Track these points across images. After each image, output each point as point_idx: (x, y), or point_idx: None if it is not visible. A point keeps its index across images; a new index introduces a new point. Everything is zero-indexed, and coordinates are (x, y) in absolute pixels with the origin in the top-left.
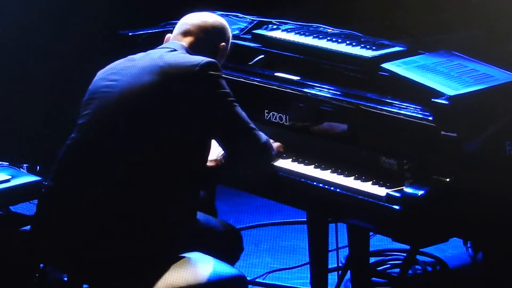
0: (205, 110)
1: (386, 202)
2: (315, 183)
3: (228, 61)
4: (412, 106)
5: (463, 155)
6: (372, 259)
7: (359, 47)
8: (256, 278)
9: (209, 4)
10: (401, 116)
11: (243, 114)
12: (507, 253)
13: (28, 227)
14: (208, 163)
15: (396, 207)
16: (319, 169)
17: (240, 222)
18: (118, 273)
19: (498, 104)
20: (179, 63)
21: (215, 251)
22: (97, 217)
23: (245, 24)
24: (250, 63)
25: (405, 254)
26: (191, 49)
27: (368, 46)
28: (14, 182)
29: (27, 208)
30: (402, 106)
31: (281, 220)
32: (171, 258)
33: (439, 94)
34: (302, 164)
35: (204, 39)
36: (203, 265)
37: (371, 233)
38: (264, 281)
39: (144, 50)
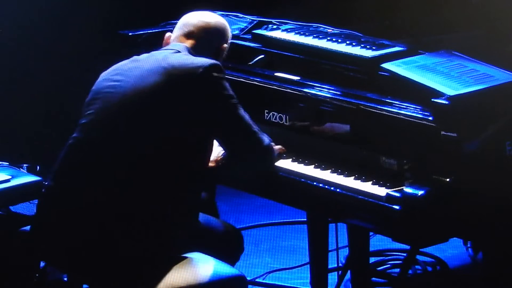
0: (208, 111)
1: (386, 202)
2: (315, 183)
3: (228, 61)
4: (412, 106)
5: (463, 155)
6: (372, 259)
7: (359, 47)
8: (256, 278)
9: (209, 4)
10: (401, 116)
11: (246, 116)
12: (507, 253)
13: (28, 227)
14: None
15: (396, 207)
16: (319, 169)
17: (240, 222)
18: (118, 273)
19: (498, 104)
20: (182, 64)
21: (215, 251)
22: (98, 217)
23: (245, 24)
24: (250, 63)
25: (405, 254)
26: (194, 51)
27: (368, 46)
28: (14, 182)
29: (27, 208)
30: (402, 106)
31: (281, 220)
32: (171, 258)
33: (439, 94)
34: (302, 164)
35: (206, 40)
36: (203, 265)
37: (371, 233)
38: (264, 281)
39: (145, 50)
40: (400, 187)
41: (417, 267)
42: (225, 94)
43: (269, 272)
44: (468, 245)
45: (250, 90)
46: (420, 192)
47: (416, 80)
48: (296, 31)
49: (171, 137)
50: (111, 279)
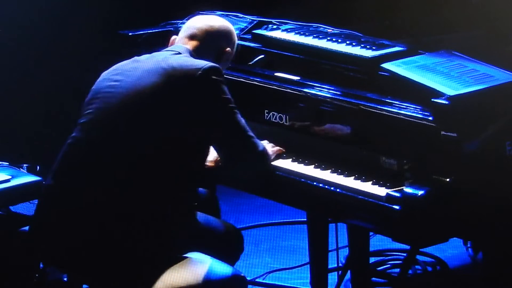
0: (204, 114)
1: (386, 202)
2: (315, 183)
3: None
4: (412, 106)
5: (463, 155)
6: (372, 259)
7: (359, 47)
8: (256, 278)
9: (209, 4)
10: (401, 116)
11: (242, 121)
12: (507, 253)
13: (28, 227)
14: (207, 164)
15: (396, 207)
16: (319, 169)
17: (240, 222)
18: (118, 273)
19: (498, 104)
20: (182, 66)
21: (215, 251)
22: (97, 216)
23: (245, 24)
24: (250, 63)
25: (405, 254)
26: (196, 53)
27: (368, 46)
28: (14, 182)
29: (27, 208)
30: (402, 106)
31: (281, 220)
32: (171, 258)
33: (439, 94)
34: (302, 164)
35: (209, 43)
36: (203, 265)
37: (371, 233)
38: (264, 281)
39: (145, 50)
40: (400, 187)
41: (417, 267)
42: (222, 97)
43: (269, 272)
44: (468, 245)
45: (250, 90)
46: (420, 192)
47: (416, 80)
48: (296, 31)
49: (170, 137)
50: (111, 279)
